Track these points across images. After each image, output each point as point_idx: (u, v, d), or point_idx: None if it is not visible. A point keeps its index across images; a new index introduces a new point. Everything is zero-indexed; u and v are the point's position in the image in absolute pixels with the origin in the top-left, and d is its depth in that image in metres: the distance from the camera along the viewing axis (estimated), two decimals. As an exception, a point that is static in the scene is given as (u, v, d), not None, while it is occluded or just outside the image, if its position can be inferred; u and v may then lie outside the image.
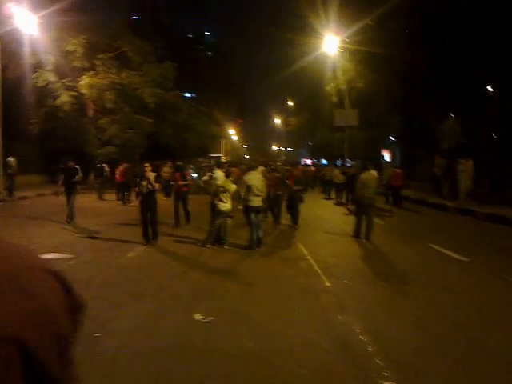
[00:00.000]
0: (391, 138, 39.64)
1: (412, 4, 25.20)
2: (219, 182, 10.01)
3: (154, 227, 10.13)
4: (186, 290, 6.70)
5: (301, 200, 13.22)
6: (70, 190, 12.96)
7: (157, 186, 10.24)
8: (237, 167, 23.41)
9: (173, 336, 4.96)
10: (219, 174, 10.20)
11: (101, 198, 19.83)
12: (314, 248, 9.88)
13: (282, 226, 13.11)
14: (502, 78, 22.84)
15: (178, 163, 16.95)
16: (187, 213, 13.07)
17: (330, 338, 4.99)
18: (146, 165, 10.59)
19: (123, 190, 18.81)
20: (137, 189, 10.10)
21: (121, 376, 4.08)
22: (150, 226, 10.01)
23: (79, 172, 13.41)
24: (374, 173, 14.12)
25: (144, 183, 9.83)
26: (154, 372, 4.14)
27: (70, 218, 12.77)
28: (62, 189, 13.02)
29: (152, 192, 9.93)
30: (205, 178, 14.13)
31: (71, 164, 13.26)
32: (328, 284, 7.15)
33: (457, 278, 7.74)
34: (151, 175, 10.07)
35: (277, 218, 13.45)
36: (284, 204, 13.29)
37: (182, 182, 12.88)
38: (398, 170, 19.56)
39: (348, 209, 15.81)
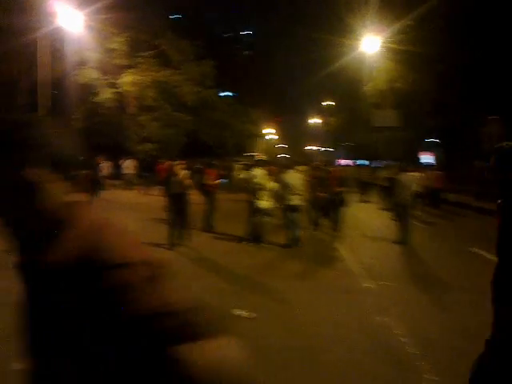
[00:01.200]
0: (431, 139, 38.94)
1: (453, 3, 24.71)
2: (257, 180, 10.03)
3: (180, 230, 9.63)
4: (225, 286, 6.76)
5: (342, 203, 11.73)
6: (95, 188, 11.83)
7: (188, 182, 9.93)
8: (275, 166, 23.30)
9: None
10: (258, 172, 10.18)
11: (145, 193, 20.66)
12: (352, 250, 9.79)
13: (319, 234, 11.99)
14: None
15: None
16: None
17: (370, 339, 4.96)
18: (177, 162, 10.32)
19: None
20: (165, 188, 9.79)
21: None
22: (178, 228, 9.57)
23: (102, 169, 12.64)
24: (413, 174, 14.06)
25: (174, 182, 9.55)
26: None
27: None
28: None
29: (182, 192, 9.60)
30: (241, 175, 14.12)
31: (100, 160, 12.17)
32: (367, 285, 7.10)
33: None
34: (182, 173, 9.83)
35: (315, 222, 12.26)
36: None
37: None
38: (438, 172, 19.14)
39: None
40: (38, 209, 1.02)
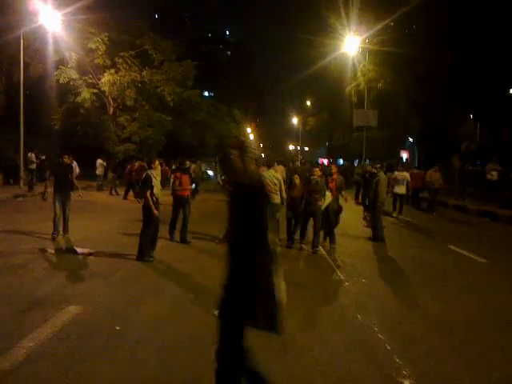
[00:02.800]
0: (410, 139, 39.38)
1: (433, 5, 25.01)
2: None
3: (182, 230, 10.10)
4: (204, 286, 6.75)
5: (340, 211, 10.30)
6: (65, 193, 10.09)
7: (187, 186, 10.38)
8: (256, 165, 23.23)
9: (192, 331, 5.00)
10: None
11: (116, 194, 20.43)
12: (332, 247, 9.83)
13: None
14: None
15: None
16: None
17: (349, 336, 5.00)
18: (187, 162, 11.06)
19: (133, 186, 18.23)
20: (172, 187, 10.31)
21: (141, 368, 4.12)
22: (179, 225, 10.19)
23: (75, 170, 12.38)
24: (403, 174, 14.83)
25: (177, 182, 10.10)
26: (174, 365, 4.19)
27: (65, 230, 10.14)
28: (49, 189, 10.20)
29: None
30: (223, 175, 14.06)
31: (66, 159, 10.51)
32: (346, 283, 7.15)
33: (475, 279, 7.69)
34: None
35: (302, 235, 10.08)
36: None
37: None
38: (418, 171, 19.28)
39: (365, 218, 13.73)
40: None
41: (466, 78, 23.61)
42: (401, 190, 14.90)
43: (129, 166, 20.11)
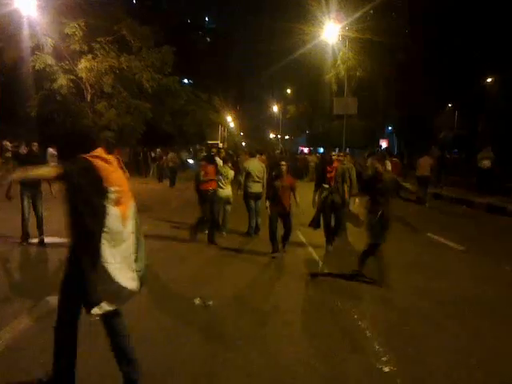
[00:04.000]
0: (389, 127, 39.69)
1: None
2: (218, 168, 9.97)
3: (210, 229, 9.13)
4: (184, 275, 6.73)
5: (344, 205, 8.85)
6: (35, 188, 8.41)
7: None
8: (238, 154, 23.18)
9: (172, 321, 4.99)
10: (218, 161, 10.11)
11: None
12: (314, 236, 9.65)
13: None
14: (502, 70, 22.83)
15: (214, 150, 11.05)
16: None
17: (330, 325, 5.04)
18: (214, 150, 10.42)
19: None
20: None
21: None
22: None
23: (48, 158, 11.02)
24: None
25: (202, 173, 9.15)
26: (152, 357, 4.17)
27: (41, 231, 8.39)
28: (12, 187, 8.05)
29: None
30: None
31: (36, 147, 8.74)
32: (326, 271, 7.20)
33: (453, 266, 7.80)
34: (220, 162, 9.73)
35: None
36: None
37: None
38: (395, 160, 19.34)
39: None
40: None
41: (444, 67, 23.82)
42: None
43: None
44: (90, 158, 3.03)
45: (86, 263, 2.95)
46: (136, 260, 3.22)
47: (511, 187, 16.39)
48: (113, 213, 3.02)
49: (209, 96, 45.42)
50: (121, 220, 3.08)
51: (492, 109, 25.17)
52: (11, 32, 23.52)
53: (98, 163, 3.02)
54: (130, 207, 3.27)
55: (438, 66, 23.97)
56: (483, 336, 4.86)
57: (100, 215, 2.96)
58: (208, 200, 9.06)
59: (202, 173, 9.08)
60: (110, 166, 3.09)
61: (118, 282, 3.01)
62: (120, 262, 3.04)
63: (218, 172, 9.46)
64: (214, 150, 10.78)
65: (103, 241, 2.96)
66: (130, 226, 3.20)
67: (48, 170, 3.13)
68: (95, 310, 3.05)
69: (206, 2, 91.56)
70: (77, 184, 2.93)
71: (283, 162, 8.34)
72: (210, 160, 9.40)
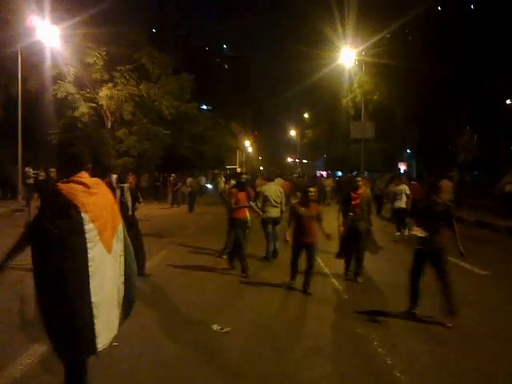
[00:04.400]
0: (408, 150, 39.49)
1: (430, 17, 25.23)
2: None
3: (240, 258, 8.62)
4: (202, 301, 6.71)
5: (368, 234, 8.21)
6: None
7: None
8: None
9: (190, 346, 4.96)
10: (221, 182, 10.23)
11: None
12: (333, 262, 9.17)
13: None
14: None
15: (244, 176, 11.24)
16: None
17: (349, 351, 4.96)
18: (243, 176, 10.33)
19: None
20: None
21: (139, 385, 4.08)
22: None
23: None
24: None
25: (233, 200, 8.83)
26: (170, 382, 4.15)
27: None
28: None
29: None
30: (222, 188, 13.90)
31: (54, 173, 9.36)
32: (346, 296, 7.11)
33: (475, 290, 7.64)
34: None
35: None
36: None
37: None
38: (414, 183, 19.18)
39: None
40: None
41: (463, 89, 23.74)
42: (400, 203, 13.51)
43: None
44: (61, 185, 2.98)
45: None
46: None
47: None
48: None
49: (227, 121, 45.89)
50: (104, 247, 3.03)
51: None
52: (34, 62, 24.16)
53: (68, 189, 2.95)
54: (116, 231, 3.18)
55: (456, 87, 23.89)
56: (508, 362, 4.74)
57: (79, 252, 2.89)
58: (239, 228, 8.70)
59: (233, 200, 8.75)
60: (87, 190, 3.00)
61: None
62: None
63: (250, 199, 9.13)
64: (245, 176, 10.92)
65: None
66: (118, 249, 3.17)
67: (21, 241, 3.08)
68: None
69: (225, 28, 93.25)
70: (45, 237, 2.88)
71: (312, 189, 7.45)
72: (242, 187, 9.04)
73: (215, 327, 5.47)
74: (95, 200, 3.02)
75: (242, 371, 4.38)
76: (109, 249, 3.05)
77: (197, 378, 4.22)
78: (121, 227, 3.23)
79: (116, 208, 3.26)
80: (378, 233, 10.30)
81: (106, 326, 3.02)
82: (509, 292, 7.65)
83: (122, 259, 3.19)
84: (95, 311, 2.89)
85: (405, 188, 13.73)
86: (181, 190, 24.85)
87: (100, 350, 2.97)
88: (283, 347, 5.00)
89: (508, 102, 26.55)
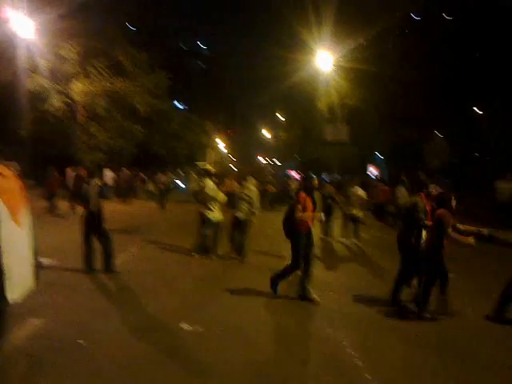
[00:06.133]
0: (379, 155, 40.00)
1: (404, 26, 25.62)
2: (208, 191, 9.93)
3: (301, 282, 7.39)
4: (173, 300, 6.63)
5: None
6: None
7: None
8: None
9: (160, 347, 4.89)
10: (209, 183, 10.02)
11: None
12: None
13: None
14: (490, 100, 23.19)
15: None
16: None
17: (320, 352, 4.96)
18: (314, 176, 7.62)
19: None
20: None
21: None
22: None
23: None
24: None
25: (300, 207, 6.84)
26: (140, 383, 4.09)
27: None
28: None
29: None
30: (194, 186, 13.73)
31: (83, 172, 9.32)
32: (317, 297, 7.12)
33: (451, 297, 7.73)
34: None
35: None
36: None
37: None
38: (385, 187, 19.49)
39: None
40: None
41: (435, 96, 24.14)
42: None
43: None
44: None
45: None
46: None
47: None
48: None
49: (201, 119, 45.78)
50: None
51: (482, 137, 25.50)
52: (8, 54, 23.65)
53: None
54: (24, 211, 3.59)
55: (428, 94, 24.30)
56: (477, 364, 4.80)
57: None
58: (308, 238, 6.95)
59: (300, 207, 6.81)
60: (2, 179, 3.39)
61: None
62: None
63: (315, 205, 7.14)
64: (294, 182, 10.07)
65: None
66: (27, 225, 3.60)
67: None
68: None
69: (200, 26, 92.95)
70: None
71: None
72: (310, 190, 7.11)
73: (186, 327, 5.42)
74: (6, 186, 3.40)
75: (213, 372, 4.34)
76: (19, 224, 3.46)
77: (165, 379, 4.16)
78: (27, 207, 3.65)
79: (23, 190, 3.63)
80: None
81: (18, 281, 3.43)
82: (474, 291, 7.77)
83: (31, 233, 3.64)
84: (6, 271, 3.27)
85: (358, 193, 13.02)
86: (148, 187, 24.70)
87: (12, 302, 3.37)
88: (254, 348, 4.98)
89: (477, 110, 27.13)
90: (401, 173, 16.59)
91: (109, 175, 23.47)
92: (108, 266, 7.94)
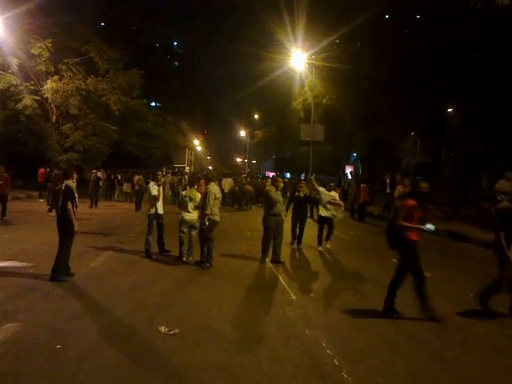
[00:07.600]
0: (355, 154, 40.38)
1: (378, 24, 25.87)
2: (186, 192, 9.87)
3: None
4: (148, 302, 6.57)
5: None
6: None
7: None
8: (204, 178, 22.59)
9: (136, 349, 4.85)
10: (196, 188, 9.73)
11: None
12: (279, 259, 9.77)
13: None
14: (460, 100, 23.58)
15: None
16: None
17: (298, 352, 4.98)
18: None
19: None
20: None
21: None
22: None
23: None
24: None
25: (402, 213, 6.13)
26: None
27: None
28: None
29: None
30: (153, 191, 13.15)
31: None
32: (294, 297, 7.15)
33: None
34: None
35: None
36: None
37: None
38: (364, 186, 19.48)
39: None
40: None
41: (407, 96, 24.43)
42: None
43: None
44: None
45: None
46: None
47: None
48: None
49: (176, 119, 45.53)
50: None
51: (452, 136, 25.98)
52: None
53: None
54: None
55: (401, 94, 24.57)
56: (454, 366, 4.88)
57: None
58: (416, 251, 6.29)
59: (403, 213, 6.10)
60: None
61: None
62: None
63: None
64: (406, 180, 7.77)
65: None
66: None
67: None
68: None
69: (175, 25, 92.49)
70: None
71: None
72: (419, 197, 6.23)
73: (162, 329, 5.38)
74: None
75: (189, 374, 4.32)
76: None
77: (141, 381, 4.13)
78: None
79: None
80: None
81: None
82: (445, 290, 7.89)
83: None
84: None
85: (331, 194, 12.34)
86: (123, 188, 24.55)
87: None
88: (231, 349, 4.97)
89: (448, 109, 27.58)
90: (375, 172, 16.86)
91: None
92: (54, 270, 7.49)
